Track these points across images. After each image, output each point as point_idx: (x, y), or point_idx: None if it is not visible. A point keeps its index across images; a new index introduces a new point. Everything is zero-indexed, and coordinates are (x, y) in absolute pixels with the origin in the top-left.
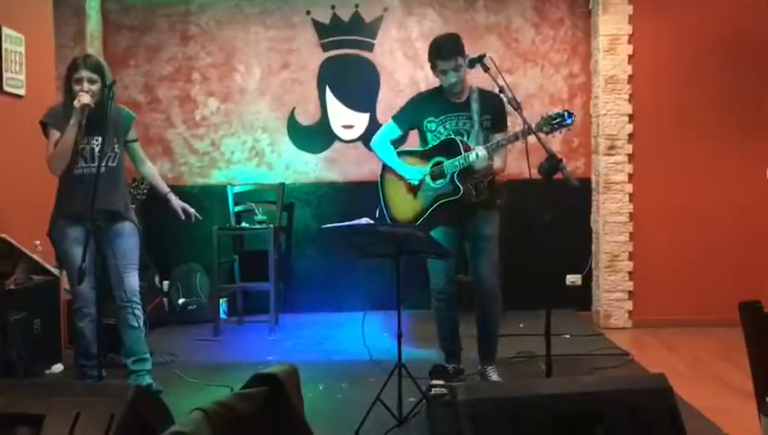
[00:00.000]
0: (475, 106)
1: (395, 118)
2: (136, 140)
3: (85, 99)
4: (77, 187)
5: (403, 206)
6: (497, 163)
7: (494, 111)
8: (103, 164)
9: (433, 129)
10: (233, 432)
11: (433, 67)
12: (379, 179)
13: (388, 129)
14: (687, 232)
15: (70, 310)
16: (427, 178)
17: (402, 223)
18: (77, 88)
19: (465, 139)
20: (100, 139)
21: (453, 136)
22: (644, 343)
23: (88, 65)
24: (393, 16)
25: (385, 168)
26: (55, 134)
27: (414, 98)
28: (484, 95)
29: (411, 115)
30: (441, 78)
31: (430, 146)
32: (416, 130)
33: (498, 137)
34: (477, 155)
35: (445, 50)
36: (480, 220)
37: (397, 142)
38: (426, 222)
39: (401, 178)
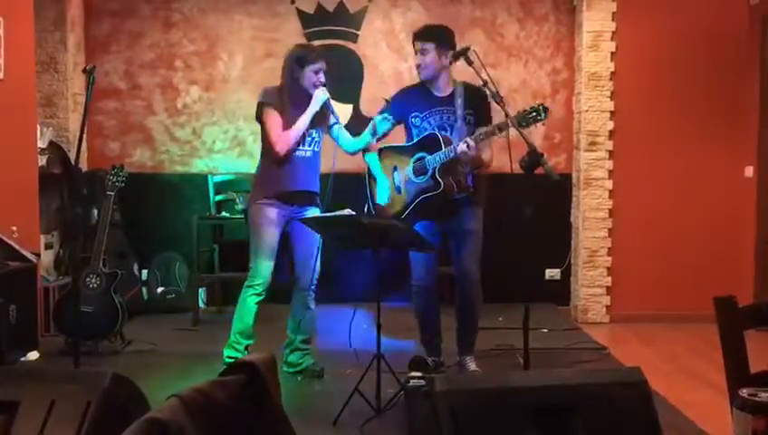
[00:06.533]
0: (459, 101)
1: (383, 113)
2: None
3: (326, 93)
4: (296, 168)
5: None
6: (485, 155)
7: (477, 106)
8: (314, 148)
9: (418, 124)
10: (209, 419)
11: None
12: (366, 174)
13: (379, 124)
14: (666, 229)
15: (46, 296)
16: (411, 174)
17: (386, 216)
18: (315, 78)
19: (449, 133)
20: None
21: (436, 131)
22: (621, 338)
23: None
24: (378, 8)
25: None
26: (272, 113)
27: (398, 93)
28: (469, 90)
29: (397, 110)
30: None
31: (413, 141)
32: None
33: (482, 130)
34: (459, 148)
35: (418, 31)
36: (463, 216)
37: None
38: (409, 217)
39: (387, 173)
